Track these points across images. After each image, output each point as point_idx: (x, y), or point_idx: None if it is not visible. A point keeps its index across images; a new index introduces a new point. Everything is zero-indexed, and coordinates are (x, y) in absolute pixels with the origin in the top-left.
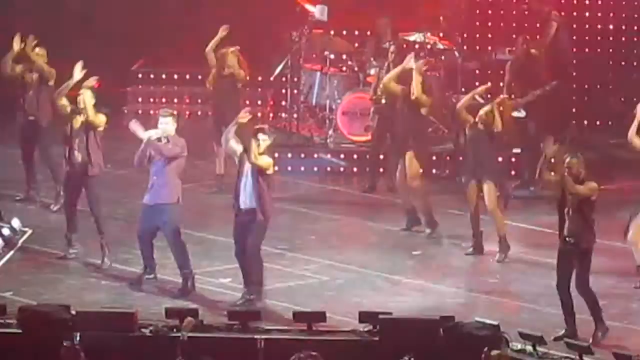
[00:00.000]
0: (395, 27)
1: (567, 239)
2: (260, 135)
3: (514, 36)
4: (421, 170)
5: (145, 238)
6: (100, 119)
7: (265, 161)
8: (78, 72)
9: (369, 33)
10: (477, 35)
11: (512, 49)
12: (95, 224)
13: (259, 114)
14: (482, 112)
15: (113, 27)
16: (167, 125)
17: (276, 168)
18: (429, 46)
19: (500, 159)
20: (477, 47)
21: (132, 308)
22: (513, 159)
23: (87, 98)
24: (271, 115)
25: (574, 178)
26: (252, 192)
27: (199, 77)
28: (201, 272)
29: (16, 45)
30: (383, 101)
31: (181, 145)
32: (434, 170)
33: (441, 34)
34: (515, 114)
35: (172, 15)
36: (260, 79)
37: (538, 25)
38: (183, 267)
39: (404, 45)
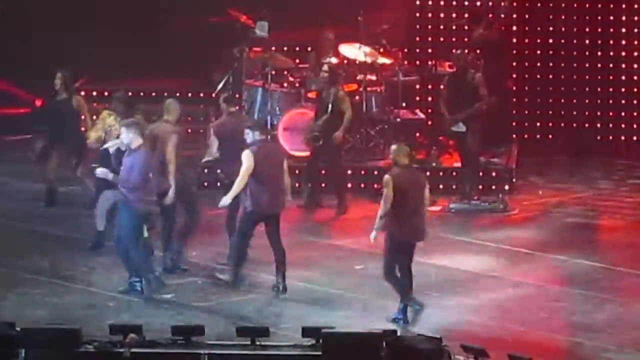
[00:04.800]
0: (336, 42)
1: None
2: None
3: (454, 51)
4: None
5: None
6: None
7: None
8: None
9: (309, 49)
10: (418, 50)
11: (452, 63)
12: None
13: (202, 130)
14: None
15: (56, 42)
16: (127, 135)
17: (218, 184)
18: (369, 61)
19: None
20: (418, 62)
21: (76, 324)
22: (454, 173)
23: None
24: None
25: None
26: None
27: (141, 94)
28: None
29: None
30: (320, 142)
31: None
32: (375, 185)
33: (382, 49)
34: (455, 128)
35: (115, 31)
36: (202, 95)
37: (477, 35)
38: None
39: (344, 61)
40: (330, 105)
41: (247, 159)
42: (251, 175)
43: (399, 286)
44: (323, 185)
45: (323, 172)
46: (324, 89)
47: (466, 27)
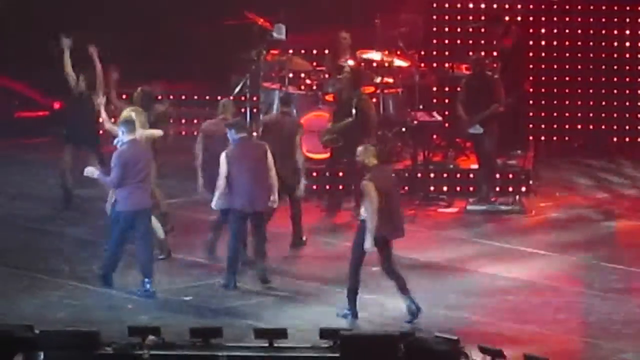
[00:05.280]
0: (353, 44)
1: None
2: None
3: (470, 53)
4: None
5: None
6: None
7: None
8: None
9: (326, 51)
10: (434, 52)
11: (468, 66)
12: None
13: None
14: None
15: (74, 46)
16: (120, 132)
17: None
18: (386, 64)
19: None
20: (434, 64)
21: (95, 326)
22: (471, 175)
23: None
24: None
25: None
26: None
27: (159, 97)
28: (162, 290)
29: None
30: (340, 143)
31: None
32: None
33: (398, 52)
34: (472, 130)
35: (132, 34)
36: (219, 98)
37: (495, 42)
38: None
39: (362, 63)
40: (355, 109)
41: (221, 162)
42: (228, 176)
43: (355, 283)
44: (341, 187)
45: (341, 174)
46: (344, 90)
47: (483, 30)
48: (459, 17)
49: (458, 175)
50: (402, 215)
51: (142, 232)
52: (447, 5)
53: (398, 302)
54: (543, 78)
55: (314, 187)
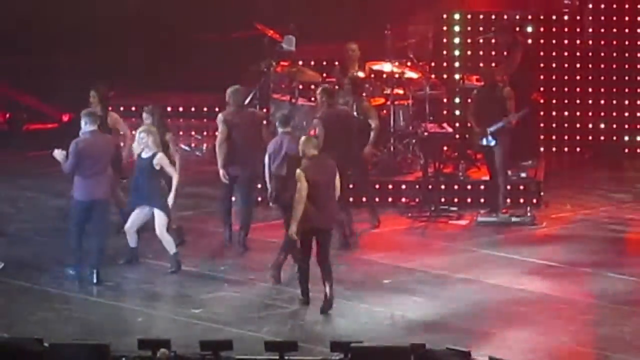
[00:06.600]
0: (363, 56)
1: None
2: None
3: (481, 65)
4: None
5: None
6: None
7: None
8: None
9: (336, 63)
10: (445, 64)
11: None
12: None
13: None
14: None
15: (83, 58)
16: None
17: None
18: (397, 75)
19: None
20: (445, 76)
21: (105, 340)
22: (482, 187)
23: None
24: None
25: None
26: None
27: (169, 109)
28: (173, 303)
29: None
30: None
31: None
32: (403, 199)
33: (409, 63)
34: (483, 142)
35: (142, 47)
36: None
37: (505, 53)
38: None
39: (372, 75)
40: (356, 113)
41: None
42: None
43: (303, 277)
44: (351, 199)
45: (351, 186)
46: (346, 100)
47: (493, 41)
48: (469, 28)
49: (469, 187)
50: (333, 207)
51: (94, 223)
52: (457, 17)
53: (409, 315)
54: (554, 89)
55: None
